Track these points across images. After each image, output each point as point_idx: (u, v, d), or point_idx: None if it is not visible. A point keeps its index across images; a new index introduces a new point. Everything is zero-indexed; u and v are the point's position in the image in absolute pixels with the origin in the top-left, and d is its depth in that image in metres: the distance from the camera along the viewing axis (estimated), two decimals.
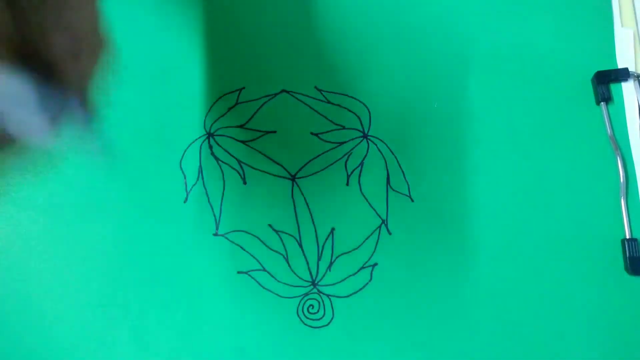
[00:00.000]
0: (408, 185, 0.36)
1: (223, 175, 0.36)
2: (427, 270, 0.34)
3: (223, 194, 0.36)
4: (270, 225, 0.35)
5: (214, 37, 0.38)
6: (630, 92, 0.36)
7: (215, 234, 0.35)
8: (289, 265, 0.35)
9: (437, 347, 0.33)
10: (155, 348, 0.34)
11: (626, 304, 0.33)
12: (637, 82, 0.36)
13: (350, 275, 0.34)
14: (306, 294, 0.34)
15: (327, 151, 0.36)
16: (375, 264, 0.35)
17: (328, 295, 0.34)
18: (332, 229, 0.35)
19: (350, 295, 0.34)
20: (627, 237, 0.34)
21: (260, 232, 0.35)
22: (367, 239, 0.35)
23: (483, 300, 0.34)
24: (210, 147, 0.36)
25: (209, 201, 0.35)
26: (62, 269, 0.35)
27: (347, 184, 0.36)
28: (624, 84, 0.37)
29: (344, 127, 0.36)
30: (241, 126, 0.37)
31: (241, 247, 0.35)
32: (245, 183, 0.36)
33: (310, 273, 0.35)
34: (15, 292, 0.35)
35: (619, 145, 0.36)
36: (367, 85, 0.37)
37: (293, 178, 0.36)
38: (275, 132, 0.36)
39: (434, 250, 0.35)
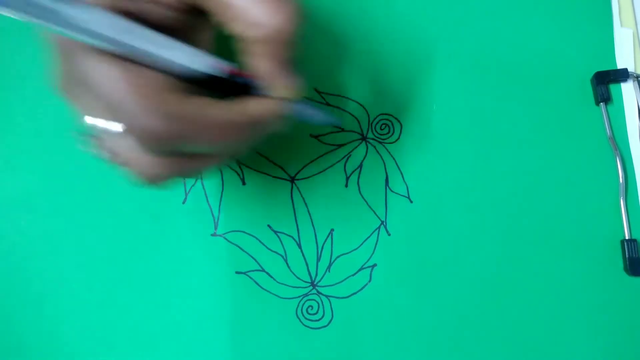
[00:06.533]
0: (407, 187, 0.36)
1: (222, 175, 0.36)
2: (426, 271, 0.34)
3: (222, 194, 0.36)
4: (269, 226, 0.35)
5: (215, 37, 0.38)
6: (630, 93, 0.36)
7: (214, 235, 0.35)
8: (288, 266, 0.35)
9: (437, 348, 0.33)
10: (154, 348, 0.34)
11: (625, 305, 0.33)
12: (636, 82, 0.36)
13: (350, 276, 0.35)
14: (305, 295, 0.34)
15: (326, 153, 0.36)
16: (375, 265, 0.35)
17: (327, 296, 0.34)
18: (331, 230, 0.35)
19: (350, 296, 0.34)
20: (627, 237, 0.34)
21: (259, 232, 0.35)
22: (366, 239, 0.35)
23: (482, 301, 0.34)
24: None
25: (207, 202, 0.36)
26: (61, 270, 0.35)
27: (346, 186, 0.36)
28: (623, 85, 0.36)
29: (342, 130, 0.37)
30: None
31: (240, 248, 0.35)
32: (244, 184, 0.36)
33: (310, 274, 0.35)
34: (15, 292, 0.35)
35: (619, 145, 0.35)
36: (366, 88, 0.37)
37: (292, 180, 0.36)
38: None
39: (433, 250, 0.35)
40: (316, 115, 0.32)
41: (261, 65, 0.26)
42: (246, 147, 0.27)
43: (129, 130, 0.22)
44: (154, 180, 0.25)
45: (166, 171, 0.25)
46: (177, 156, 0.25)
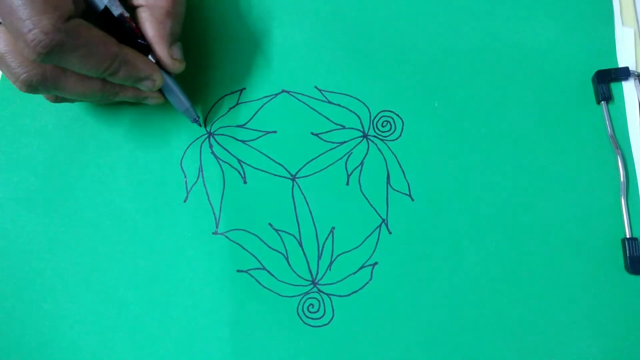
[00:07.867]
0: (408, 185, 0.36)
1: (223, 174, 0.36)
2: (427, 270, 0.34)
3: (223, 193, 0.36)
4: (270, 224, 0.35)
5: (214, 38, 0.38)
6: (631, 91, 0.36)
7: (215, 233, 0.35)
8: (289, 264, 0.35)
9: (437, 347, 0.33)
10: (155, 347, 0.34)
11: (626, 304, 0.33)
12: (637, 81, 0.36)
13: (351, 275, 0.34)
14: (306, 293, 0.34)
15: (327, 151, 0.36)
16: (376, 263, 0.35)
17: (328, 295, 0.34)
18: (332, 228, 0.35)
19: (351, 294, 0.34)
20: (628, 236, 0.34)
21: (260, 231, 0.35)
22: (367, 238, 0.35)
23: (483, 299, 0.34)
24: (211, 146, 0.36)
25: (209, 200, 0.36)
26: (61, 269, 0.35)
27: (347, 184, 0.36)
28: (624, 83, 0.36)
29: (344, 127, 0.37)
30: (242, 126, 0.37)
31: (241, 246, 0.35)
32: (245, 182, 0.36)
33: (311, 272, 0.35)
34: (15, 292, 0.35)
35: (619, 144, 0.35)
36: (367, 85, 0.37)
37: (293, 178, 0.36)
38: (275, 132, 0.36)
39: (434, 249, 0.34)
40: (178, 100, 0.34)
41: (146, 30, 0.30)
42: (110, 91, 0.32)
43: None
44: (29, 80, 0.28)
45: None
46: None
